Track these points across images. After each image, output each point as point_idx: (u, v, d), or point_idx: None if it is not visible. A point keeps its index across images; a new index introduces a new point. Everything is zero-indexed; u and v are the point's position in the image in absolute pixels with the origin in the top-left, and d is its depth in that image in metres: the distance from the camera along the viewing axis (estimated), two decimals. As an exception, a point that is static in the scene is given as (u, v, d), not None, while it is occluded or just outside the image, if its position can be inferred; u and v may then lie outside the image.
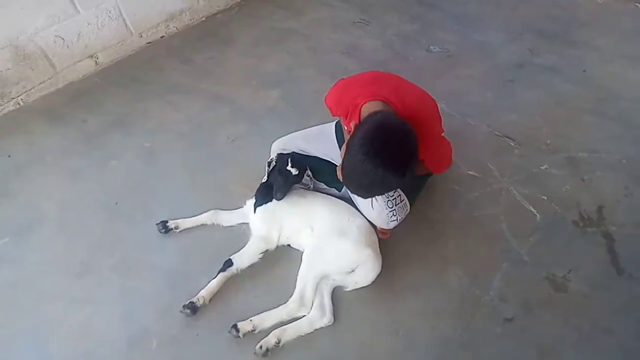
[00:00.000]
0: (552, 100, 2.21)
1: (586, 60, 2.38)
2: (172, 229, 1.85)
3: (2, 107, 2.48)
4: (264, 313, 1.55)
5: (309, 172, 1.77)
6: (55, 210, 2.00)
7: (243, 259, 1.67)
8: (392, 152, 1.24)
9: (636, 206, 1.76)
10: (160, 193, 2.02)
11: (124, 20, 2.71)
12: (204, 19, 3.03)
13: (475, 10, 2.87)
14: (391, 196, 1.56)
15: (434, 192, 1.90)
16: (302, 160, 1.74)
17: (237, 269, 1.66)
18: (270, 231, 1.71)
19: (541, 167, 1.93)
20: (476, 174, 1.94)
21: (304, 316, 1.55)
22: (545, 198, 1.82)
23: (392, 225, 1.62)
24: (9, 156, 2.27)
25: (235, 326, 1.52)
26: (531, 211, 1.78)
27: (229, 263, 1.66)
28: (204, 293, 1.62)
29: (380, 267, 1.60)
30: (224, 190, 1.96)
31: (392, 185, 1.36)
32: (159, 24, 2.87)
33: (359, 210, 1.69)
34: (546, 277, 1.59)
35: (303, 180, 1.76)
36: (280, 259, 1.72)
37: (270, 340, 1.49)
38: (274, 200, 1.71)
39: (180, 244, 1.83)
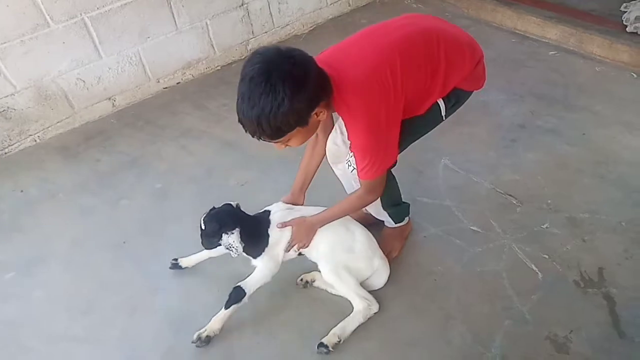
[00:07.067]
0: (553, 161, 2.28)
1: (585, 124, 2.47)
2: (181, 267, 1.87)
3: (20, 143, 2.56)
4: (343, 322, 1.61)
5: (230, 236, 1.58)
6: (64, 247, 2.04)
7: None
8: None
9: (636, 269, 1.78)
10: (169, 234, 2.06)
11: (143, 66, 2.84)
12: (219, 67, 3.18)
13: (478, 71, 2.99)
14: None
15: (437, 245, 1.94)
16: (224, 218, 1.61)
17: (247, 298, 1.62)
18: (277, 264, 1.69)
19: (542, 226, 1.97)
20: (479, 230, 1.98)
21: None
22: (547, 257, 1.85)
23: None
24: (22, 191, 2.32)
25: (322, 344, 1.56)
26: (533, 269, 1.81)
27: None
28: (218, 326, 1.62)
29: (388, 270, 1.76)
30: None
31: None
32: (176, 71, 3.00)
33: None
34: (548, 337, 1.59)
35: (223, 242, 1.60)
36: (285, 306, 1.73)
37: (332, 339, 1.57)
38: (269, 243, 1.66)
39: (186, 285, 1.85)
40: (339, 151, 1.67)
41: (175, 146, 2.54)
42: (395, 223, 1.86)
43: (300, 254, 1.73)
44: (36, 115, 2.56)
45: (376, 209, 1.79)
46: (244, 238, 1.60)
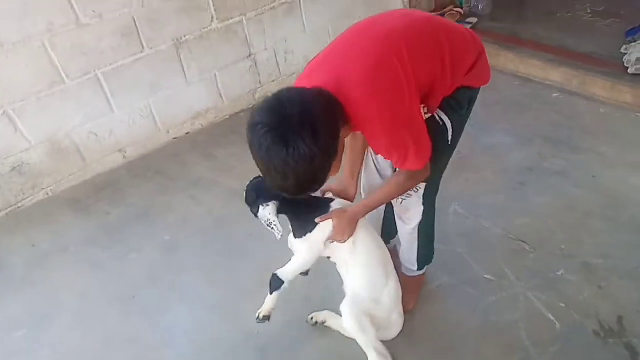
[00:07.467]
0: (562, 204, 2.26)
1: (593, 166, 2.46)
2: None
3: (32, 197, 2.60)
4: None
5: (265, 209, 1.50)
6: (73, 302, 2.04)
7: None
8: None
9: (657, 317, 1.74)
10: (178, 287, 2.05)
11: (153, 117, 2.91)
12: (227, 117, 3.24)
13: (483, 115, 3.02)
14: None
15: (451, 295, 1.91)
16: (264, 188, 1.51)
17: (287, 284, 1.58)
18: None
19: (557, 273, 1.93)
20: (492, 278, 1.95)
21: None
22: (564, 305, 1.81)
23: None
24: (33, 245, 2.34)
25: None
26: (550, 319, 1.77)
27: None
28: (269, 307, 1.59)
29: (402, 325, 1.70)
30: (240, 286, 1.99)
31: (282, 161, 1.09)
32: (185, 121, 3.07)
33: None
34: (570, 393, 1.54)
35: (260, 216, 1.53)
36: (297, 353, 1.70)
37: None
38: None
39: (195, 341, 1.82)
40: (374, 188, 1.69)
41: (184, 197, 2.56)
42: (418, 269, 1.83)
43: (329, 257, 1.64)
44: (49, 169, 2.61)
45: (410, 238, 1.73)
46: (290, 212, 1.56)
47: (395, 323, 1.70)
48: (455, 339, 1.75)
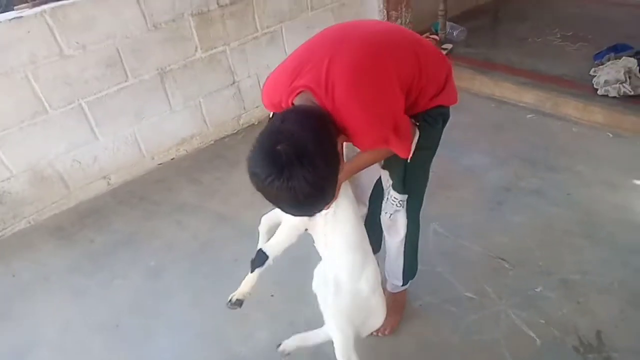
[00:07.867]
0: (540, 223, 2.33)
1: (568, 185, 2.54)
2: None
3: (14, 226, 2.58)
4: None
5: None
6: (55, 333, 2.00)
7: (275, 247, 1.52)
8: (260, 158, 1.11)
9: (634, 331, 1.78)
10: (163, 314, 2.04)
11: (138, 145, 2.93)
12: (212, 142, 3.28)
13: (460, 136, 3.11)
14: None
15: (432, 314, 1.93)
16: None
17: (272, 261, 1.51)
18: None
19: (536, 290, 1.98)
20: (473, 296, 1.99)
21: None
22: (543, 322, 1.84)
23: None
24: (13, 276, 2.31)
25: None
26: (531, 336, 1.80)
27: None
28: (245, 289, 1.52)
29: (385, 311, 1.58)
30: (225, 310, 1.97)
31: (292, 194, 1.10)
32: (170, 147, 3.09)
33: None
34: (552, 408, 1.56)
35: None
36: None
37: None
38: None
39: (179, 369, 1.81)
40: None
41: (169, 222, 2.56)
42: (403, 284, 1.85)
43: (306, 230, 1.54)
44: (31, 197, 2.60)
45: (397, 251, 1.75)
46: None
47: (377, 308, 1.57)
48: (438, 357, 1.77)
